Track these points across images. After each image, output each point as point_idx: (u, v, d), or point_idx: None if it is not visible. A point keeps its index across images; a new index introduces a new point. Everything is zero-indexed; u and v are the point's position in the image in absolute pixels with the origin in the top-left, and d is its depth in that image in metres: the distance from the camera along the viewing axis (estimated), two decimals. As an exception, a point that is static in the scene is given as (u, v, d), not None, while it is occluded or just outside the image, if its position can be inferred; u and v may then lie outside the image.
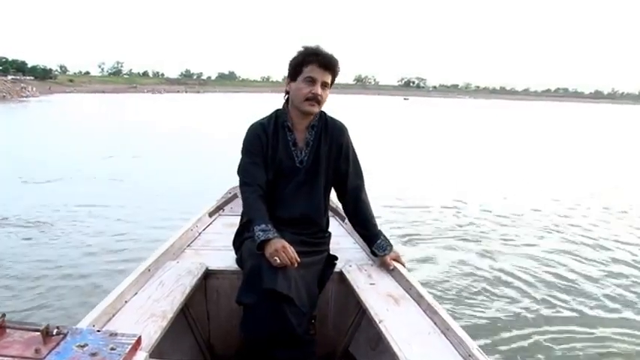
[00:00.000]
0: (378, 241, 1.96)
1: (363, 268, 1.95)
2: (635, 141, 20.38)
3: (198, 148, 11.54)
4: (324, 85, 1.78)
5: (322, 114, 1.92)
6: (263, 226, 1.66)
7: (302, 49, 1.79)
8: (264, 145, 1.84)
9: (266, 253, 1.60)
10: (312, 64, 1.75)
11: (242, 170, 1.84)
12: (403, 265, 1.93)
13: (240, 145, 1.87)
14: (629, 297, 3.63)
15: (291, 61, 1.81)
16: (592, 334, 3.01)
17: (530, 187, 8.16)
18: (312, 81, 1.76)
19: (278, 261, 1.56)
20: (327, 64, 1.76)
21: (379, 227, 2.00)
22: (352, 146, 1.97)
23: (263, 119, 1.91)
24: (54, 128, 17.35)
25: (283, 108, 1.90)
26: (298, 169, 1.86)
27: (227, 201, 2.81)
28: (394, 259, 1.95)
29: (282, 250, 1.58)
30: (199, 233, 2.44)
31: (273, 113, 1.91)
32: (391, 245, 1.98)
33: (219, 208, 2.79)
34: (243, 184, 1.82)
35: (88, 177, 7.81)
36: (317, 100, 1.78)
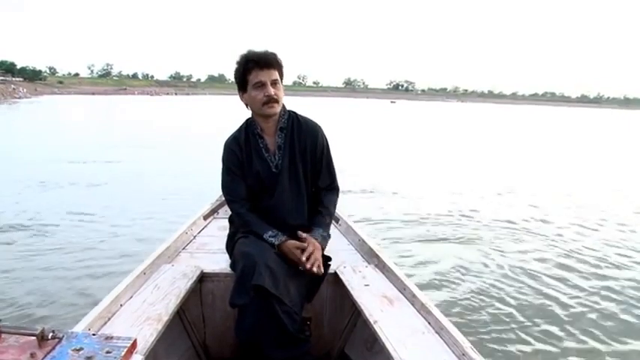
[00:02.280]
0: (320, 228, 1.86)
1: (357, 270, 1.95)
2: (616, 144, 20.57)
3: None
4: (274, 82, 1.78)
5: (291, 114, 1.91)
6: (270, 232, 1.77)
7: (239, 58, 1.80)
8: (240, 158, 1.86)
9: (298, 258, 1.69)
10: (254, 69, 1.75)
11: (225, 188, 1.90)
12: (320, 268, 1.70)
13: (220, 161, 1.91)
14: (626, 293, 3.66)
15: (235, 75, 1.83)
16: (587, 331, 3.03)
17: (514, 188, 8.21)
18: (261, 85, 1.76)
19: (308, 266, 1.67)
20: (267, 63, 1.76)
21: (330, 231, 1.92)
22: (327, 145, 1.96)
23: (235, 132, 1.92)
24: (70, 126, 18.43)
25: (252, 116, 1.90)
26: (275, 175, 1.85)
27: (222, 204, 2.79)
28: (315, 248, 1.75)
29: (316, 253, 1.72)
30: (194, 236, 2.43)
31: (243, 123, 1.92)
32: (326, 240, 1.87)
33: (213, 211, 2.78)
34: (229, 201, 1.91)
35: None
36: (274, 100, 1.78)
